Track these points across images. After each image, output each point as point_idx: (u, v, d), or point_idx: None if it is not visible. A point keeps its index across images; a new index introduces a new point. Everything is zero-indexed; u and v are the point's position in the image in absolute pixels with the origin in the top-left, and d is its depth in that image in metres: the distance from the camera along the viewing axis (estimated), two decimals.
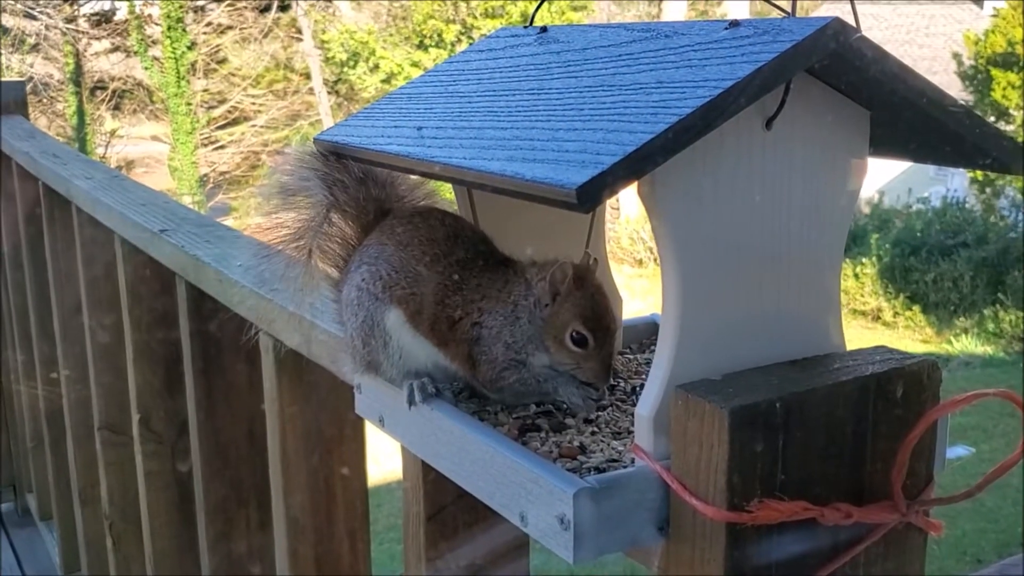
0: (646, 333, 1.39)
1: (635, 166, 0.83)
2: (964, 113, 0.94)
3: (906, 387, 0.96)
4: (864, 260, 17.68)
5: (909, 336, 16.78)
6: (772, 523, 0.90)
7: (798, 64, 0.87)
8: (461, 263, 1.17)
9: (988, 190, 18.71)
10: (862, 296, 17.62)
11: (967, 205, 19.17)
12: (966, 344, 16.17)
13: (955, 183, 20.79)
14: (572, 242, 1.32)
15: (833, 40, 0.87)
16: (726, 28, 0.97)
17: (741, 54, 0.89)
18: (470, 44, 1.28)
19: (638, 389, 1.20)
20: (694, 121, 0.84)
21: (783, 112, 0.95)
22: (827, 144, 0.99)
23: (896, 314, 17.40)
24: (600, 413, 1.17)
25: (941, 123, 0.95)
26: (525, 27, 1.28)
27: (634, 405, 1.04)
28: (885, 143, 1.02)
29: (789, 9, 0.96)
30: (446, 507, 1.44)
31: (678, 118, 0.84)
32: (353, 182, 1.28)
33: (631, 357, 1.33)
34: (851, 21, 0.92)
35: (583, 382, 1.11)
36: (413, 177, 1.31)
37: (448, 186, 1.29)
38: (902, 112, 0.95)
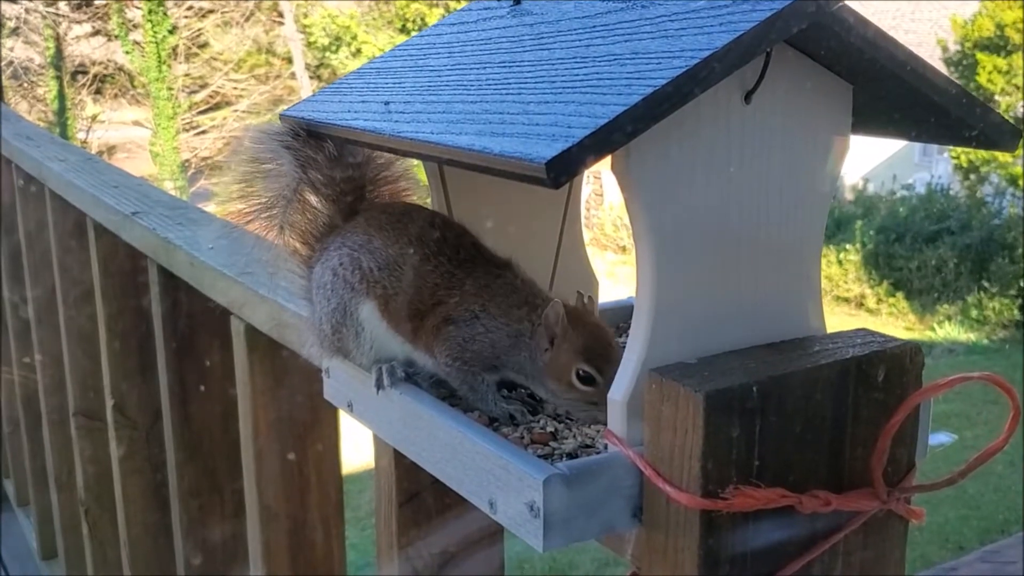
0: (623, 316, 1.36)
1: (607, 139, 0.80)
2: (949, 85, 0.91)
3: (888, 371, 0.93)
4: (848, 247, 17.70)
5: (892, 323, 16.82)
6: (748, 511, 0.87)
7: (778, 33, 0.83)
8: (453, 262, 1.13)
9: (972, 176, 18.73)
10: (845, 283, 17.65)
11: (951, 192, 19.19)
12: (949, 331, 16.23)
13: (939, 169, 20.82)
14: (547, 222, 1.29)
15: (813, 7, 0.83)
16: None
17: (719, 23, 0.86)
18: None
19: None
20: (669, 91, 0.80)
21: (763, 85, 0.91)
22: (808, 119, 0.96)
23: (880, 301, 17.43)
24: None
25: (925, 95, 0.91)
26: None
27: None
28: (869, 118, 0.99)
29: None
30: (419, 494, 1.41)
31: (653, 89, 0.80)
32: (326, 160, 1.24)
33: None
34: None
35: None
36: (385, 155, 1.27)
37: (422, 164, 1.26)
38: (885, 83, 0.92)
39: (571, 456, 0.98)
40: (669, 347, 0.92)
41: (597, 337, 1.06)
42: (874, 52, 0.88)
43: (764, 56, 0.89)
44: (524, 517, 0.90)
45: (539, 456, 0.97)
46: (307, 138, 1.23)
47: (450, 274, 1.12)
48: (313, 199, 1.27)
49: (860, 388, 0.92)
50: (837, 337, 0.98)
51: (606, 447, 0.97)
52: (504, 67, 1.02)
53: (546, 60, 0.98)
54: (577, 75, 0.91)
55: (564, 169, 0.79)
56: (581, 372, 1.04)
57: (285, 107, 1.26)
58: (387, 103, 1.08)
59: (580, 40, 0.98)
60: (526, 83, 0.96)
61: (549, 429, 1.05)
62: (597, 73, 0.89)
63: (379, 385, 1.14)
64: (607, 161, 0.86)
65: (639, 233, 0.91)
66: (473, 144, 0.88)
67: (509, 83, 0.98)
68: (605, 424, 1.03)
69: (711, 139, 0.91)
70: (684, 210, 0.91)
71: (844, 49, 0.89)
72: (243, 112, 24.33)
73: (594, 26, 1.00)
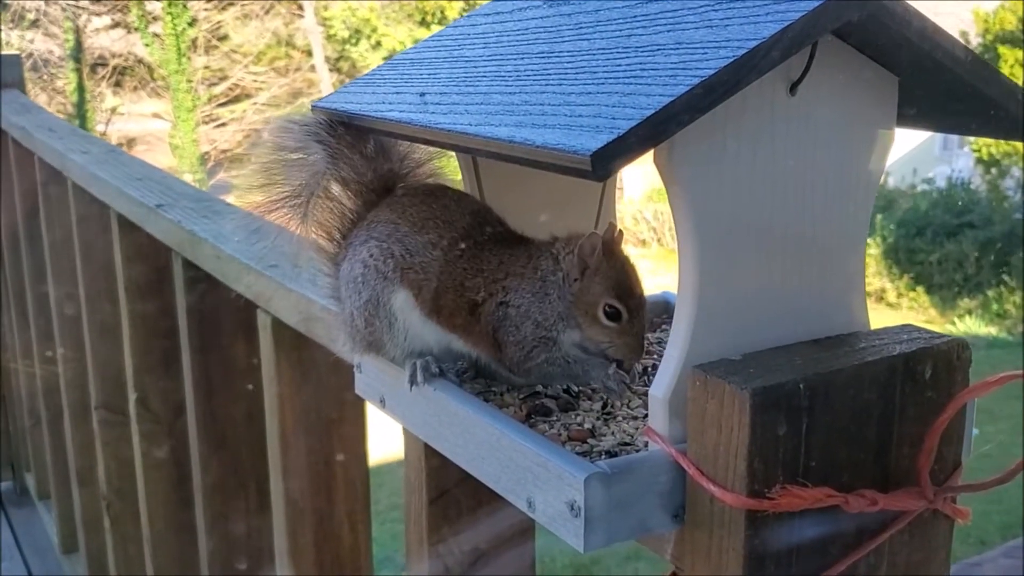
0: (656, 312, 1.34)
1: (654, 130, 0.78)
2: (1007, 81, 0.88)
3: (935, 368, 0.91)
4: (868, 240, 17.59)
5: (913, 317, 16.70)
6: (794, 510, 0.85)
7: (828, 23, 0.81)
8: (479, 244, 1.11)
9: (994, 170, 18.60)
10: (866, 276, 17.53)
11: (972, 185, 19.07)
12: (970, 325, 16.11)
13: (960, 163, 20.67)
14: (581, 215, 1.27)
15: None
16: None
17: (765, 13, 0.84)
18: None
19: (650, 369, 1.15)
20: (716, 83, 0.78)
21: (808, 77, 0.89)
22: (854, 111, 0.94)
23: (900, 295, 17.33)
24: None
25: (981, 91, 0.89)
26: None
27: (646, 386, 0.99)
28: (928, 111, 0.96)
29: None
30: (449, 491, 1.40)
31: (699, 80, 0.78)
32: (362, 159, 1.22)
33: None
34: None
35: (615, 361, 1.05)
36: (420, 152, 1.25)
37: (455, 162, 1.24)
38: (943, 77, 0.89)
39: (610, 454, 0.97)
40: (712, 343, 0.90)
41: (627, 273, 1.05)
42: (928, 45, 0.86)
43: (810, 46, 0.87)
44: (564, 516, 0.89)
45: (577, 454, 0.95)
46: (344, 134, 1.21)
47: (476, 258, 1.11)
48: (340, 193, 1.25)
49: (907, 385, 0.90)
50: (883, 333, 0.96)
51: (646, 444, 0.95)
52: (543, 57, 1.00)
53: (586, 50, 0.96)
54: (619, 65, 0.89)
55: (609, 161, 0.77)
56: (608, 307, 1.03)
57: (305, 99, 1.24)
58: (422, 94, 1.06)
59: (621, 30, 0.96)
60: (566, 74, 0.94)
61: (587, 426, 1.03)
62: (640, 63, 0.87)
63: (412, 381, 1.12)
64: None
65: (681, 227, 0.89)
66: (514, 136, 0.86)
67: (549, 74, 0.96)
68: (617, 362, 1.03)
69: (755, 131, 0.89)
70: (727, 203, 0.89)
71: (898, 42, 0.86)
72: (263, 105, 24.35)
73: (635, 16, 0.98)
